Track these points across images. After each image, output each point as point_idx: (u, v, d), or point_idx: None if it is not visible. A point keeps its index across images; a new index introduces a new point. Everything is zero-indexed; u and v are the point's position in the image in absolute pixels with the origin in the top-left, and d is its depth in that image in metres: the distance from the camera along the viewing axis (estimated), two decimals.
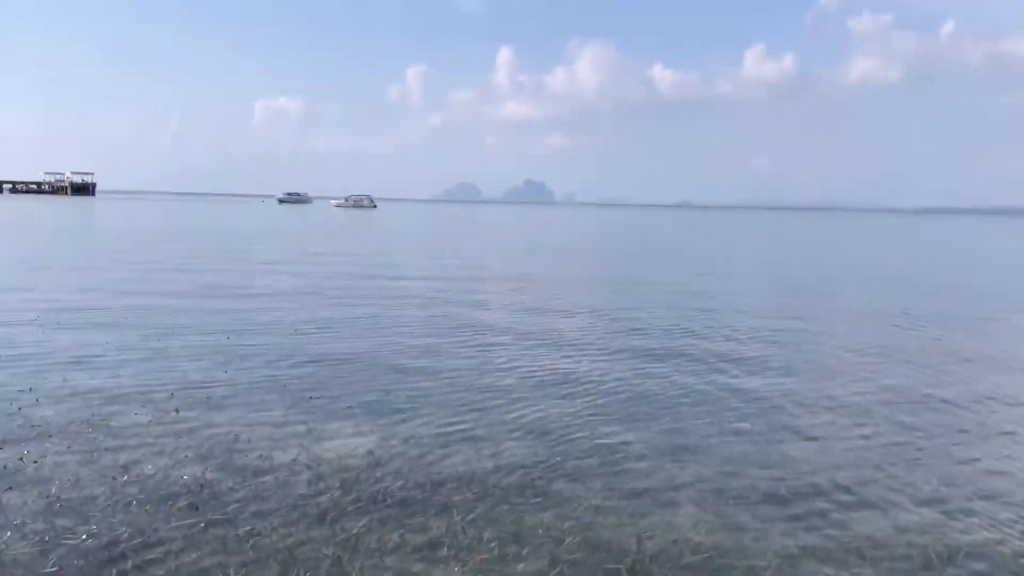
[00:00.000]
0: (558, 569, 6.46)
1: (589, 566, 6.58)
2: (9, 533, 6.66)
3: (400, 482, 8.24)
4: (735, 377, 13.69)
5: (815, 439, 10.27)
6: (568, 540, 6.99)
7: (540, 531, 7.22)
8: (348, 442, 9.47)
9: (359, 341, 15.85)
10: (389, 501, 7.73)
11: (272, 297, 22.23)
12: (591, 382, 12.93)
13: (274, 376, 12.58)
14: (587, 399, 11.82)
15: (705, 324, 19.50)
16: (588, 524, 7.40)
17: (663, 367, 14.28)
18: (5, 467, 8.21)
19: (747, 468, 9.10)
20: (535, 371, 13.67)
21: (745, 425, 10.79)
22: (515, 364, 14.18)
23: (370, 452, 9.14)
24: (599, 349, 15.84)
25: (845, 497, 8.33)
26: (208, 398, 11.12)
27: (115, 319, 17.44)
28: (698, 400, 11.96)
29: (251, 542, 6.70)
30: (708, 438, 10.14)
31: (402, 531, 7.05)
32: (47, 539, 6.59)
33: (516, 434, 10.03)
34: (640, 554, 6.82)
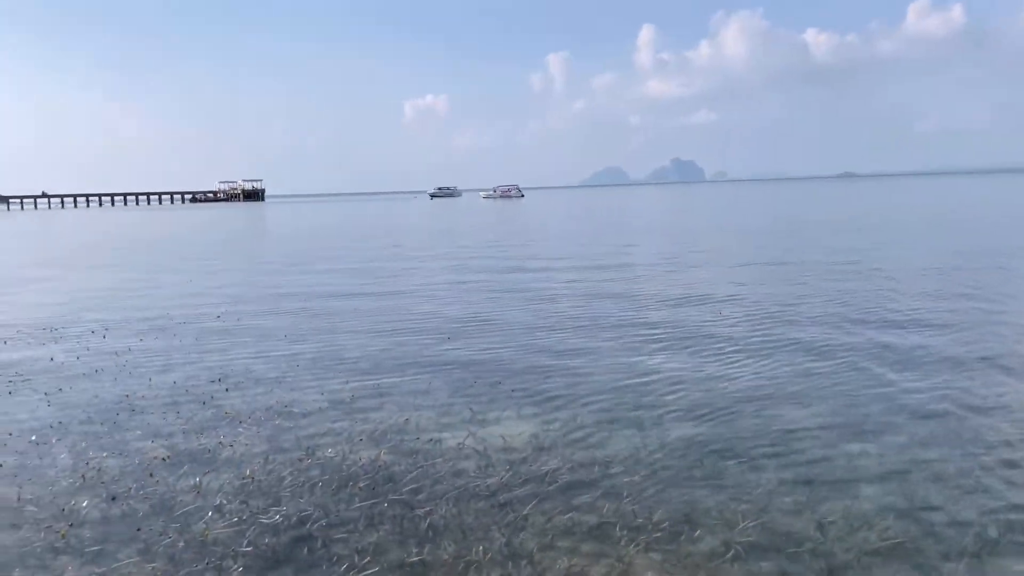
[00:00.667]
0: (733, 551, 6.27)
1: (767, 549, 6.33)
2: (210, 514, 7.22)
3: (566, 464, 8.27)
4: (910, 361, 12.81)
5: (1010, 419, 9.42)
6: (743, 523, 6.76)
7: (713, 513, 7.03)
8: (512, 426, 9.61)
9: (513, 331, 16.06)
10: (557, 483, 7.78)
11: (429, 288, 22.94)
12: (755, 365, 12.48)
13: (437, 364, 12.97)
14: (752, 383, 11.40)
15: (875, 304, 18.38)
16: (763, 507, 7.13)
17: (831, 350, 13.57)
18: (207, 450, 8.92)
19: (935, 450, 8.48)
20: (694, 356, 13.36)
21: (929, 406, 10.06)
22: (672, 348, 13.91)
23: (534, 435, 9.23)
24: (761, 333, 15.26)
25: None
26: (378, 385, 11.62)
27: (290, 315, 18.57)
28: (871, 383, 11.26)
29: (427, 521, 6.93)
30: (888, 419, 9.53)
31: (572, 512, 7.07)
32: (243, 518, 7.09)
33: (681, 417, 9.83)
34: (821, 539, 6.50)
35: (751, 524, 6.75)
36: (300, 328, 16.72)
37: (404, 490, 7.69)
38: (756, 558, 6.21)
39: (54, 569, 6.18)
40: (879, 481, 7.69)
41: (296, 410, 10.49)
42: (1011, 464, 8.00)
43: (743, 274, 24.54)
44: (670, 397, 10.69)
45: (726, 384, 11.29)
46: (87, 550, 6.51)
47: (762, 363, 12.47)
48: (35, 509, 7.38)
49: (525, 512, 7.11)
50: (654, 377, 11.76)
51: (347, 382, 11.86)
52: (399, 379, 12.02)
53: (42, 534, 6.84)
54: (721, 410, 10.04)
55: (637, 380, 11.61)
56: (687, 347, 13.83)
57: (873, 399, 10.35)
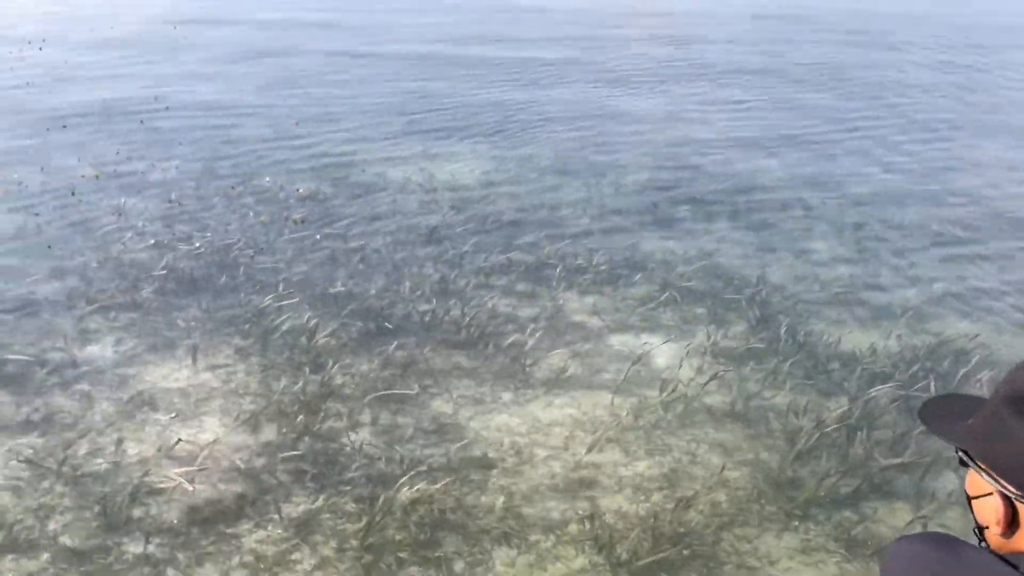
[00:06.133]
0: (668, 293, 6.10)
1: (704, 295, 6.17)
2: (130, 235, 6.87)
3: (513, 204, 7.92)
4: (895, 105, 12.20)
5: (976, 175, 9.10)
6: (683, 268, 6.55)
7: (657, 257, 6.81)
8: (463, 164, 9.13)
9: (476, 65, 15.06)
10: (500, 222, 7.46)
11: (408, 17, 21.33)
12: (729, 107, 11.85)
13: (392, 95, 12.19)
14: (725, 125, 10.85)
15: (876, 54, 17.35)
16: (709, 253, 6.91)
17: (815, 95, 12.88)
18: (136, 172, 8.42)
19: (895, 205, 8.20)
20: (666, 101, 12.65)
21: (898, 160, 9.67)
22: (646, 92, 13.15)
23: (485, 174, 8.79)
24: (737, 71, 14.42)
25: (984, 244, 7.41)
26: (327, 114, 10.93)
27: (241, 28, 17.26)
28: (847, 131, 10.76)
29: (359, 255, 6.65)
30: (855, 171, 9.16)
31: (511, 252, 6.81)
32: (164, 242, 6.76)
33: (641, 160, 9.38)
34: (762, 286, 6.33)
35: (693, 268, 6.55)
36: (247, 56, 15.55)
37: (340, 223, 7.35)
38: (691, 303, 6.06)
39: None
40: (833, 232, 7.46)
41: (236, 135, 9.87)
42: (968, 223, 7.79)
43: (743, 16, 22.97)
44: (633, 138, 10.18)
45: (694, 126, 10.75)
46: None
47: (737, 105, 11.85)
48: None
49: (463, 250, 6.83)
50: (616, 118, 11.16)
51: (292, 109, 11.13)
52: (350, 108, 11.31)
53: None
54: (686, 153, 9.60)
55: (598, 121, 11.01)
56: (663, 90, 13.08)
57: (847, 153, 9.92)
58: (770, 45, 18.04)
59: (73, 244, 6.61)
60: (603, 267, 6.55)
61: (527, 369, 5.14)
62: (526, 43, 17.38)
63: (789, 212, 7.96)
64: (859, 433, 4.52)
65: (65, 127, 9.94)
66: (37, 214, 7.26)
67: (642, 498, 4.03)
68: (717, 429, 4.61)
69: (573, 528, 3.83)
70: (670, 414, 4.73)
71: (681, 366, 5.20)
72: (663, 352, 5.38)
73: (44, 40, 15.84)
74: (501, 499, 3.99)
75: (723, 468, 4.20)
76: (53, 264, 6.23)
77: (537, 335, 5.47)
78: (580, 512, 3.92)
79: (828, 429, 4.52)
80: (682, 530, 3.82)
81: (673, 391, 4.90)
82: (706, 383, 4.99)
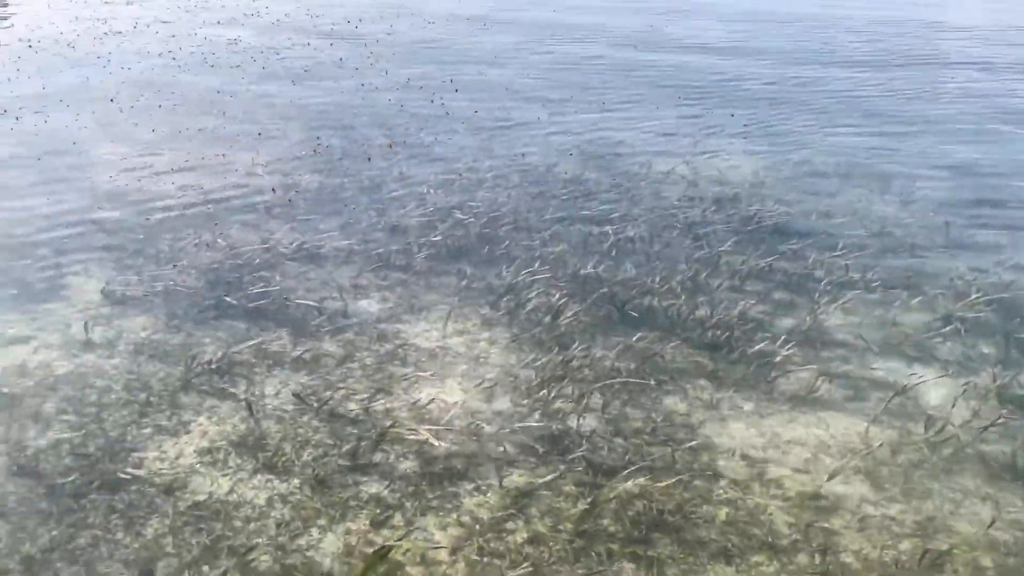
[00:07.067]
0: (953, 326, 5.41)
1: (995, 329, 5.41)
2: (411, 202, 7.39)
3: (781, 208, 7.46)
4: None
5: None
6: (975, 295, 5.78)
7: (941, 282, 6.08)
8: (732, 161, 8.76)
9: (762, 65, 14.35)
10: (765, 225, 7.06)
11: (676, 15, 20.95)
12: None
13: (676, 85, 12.00)
14: None
15: None
16: (1008, 285, 6.03)
17: None
18: (424, 144, 9.06)
19: None
20: (974, 111, 11.25)
21: None
22: (954, 109, 11.79)
23: (755, 172, 8.37)
24: None
25: None
26: (602, 101, 11.02)
27: (533, 28, 17.90)
28: None
29: (613, 240, 6.62)
30: None
31: (771, 258, 6.41)
32: (439, 211, 7.19)
33: (938, 175, 8.43)
34: None
35: (985, 301, 5.75)
36: (529, 37, 16.08)
37: (599, 208, 7.38)
38: (978, 337, 5.33)
39: (263, 229, 6.70)
40: None
41: (516, 117, 10.26)
42: None
43: None
44: (932, 148, 9.17)
45: (1012, 151, 9.45)
46: (297, 217, 6.97)
47: None
48: (262, 176, 7.98)
49: (720, 249, 6.55)
50: (916, 122, 10.10)
51: (571, 97, 11.34)
52: (627, 96, 11.29)
53: (261, 197, 7.41)
54: (994, 177, 8.47)
55: (894, 125, 10.03)
56: (970, 109, 11.66)
57: None
58: None
59: (362, 205, 7.27)
60: (876, 284, 5.97)
61: (773, 381, 4.82)
62: (819, 56, 16.33)
63: None
64: None
65: (365, 99, 10.93)
66: (331, 175, 8.05)
67: (888, 541, 3.62)
68: (991, 482, 4.02)
69: (802, 559, 3.53)
70: (935, 455, 4.20)
71: (955, 405, 4.60)
72: (935, 387, 4.79)
73: (361, 20, 17.55)
74: (725, 511, 3.78)
75: (991, 524, 3.66)
76: (343, 222, 6.89)
77: (789, 347, 5.11)
78: (813, 543, 3.61)
79: None
80: None
81: (942, 431, 4.35)
82: (984, 428, 4.37)
